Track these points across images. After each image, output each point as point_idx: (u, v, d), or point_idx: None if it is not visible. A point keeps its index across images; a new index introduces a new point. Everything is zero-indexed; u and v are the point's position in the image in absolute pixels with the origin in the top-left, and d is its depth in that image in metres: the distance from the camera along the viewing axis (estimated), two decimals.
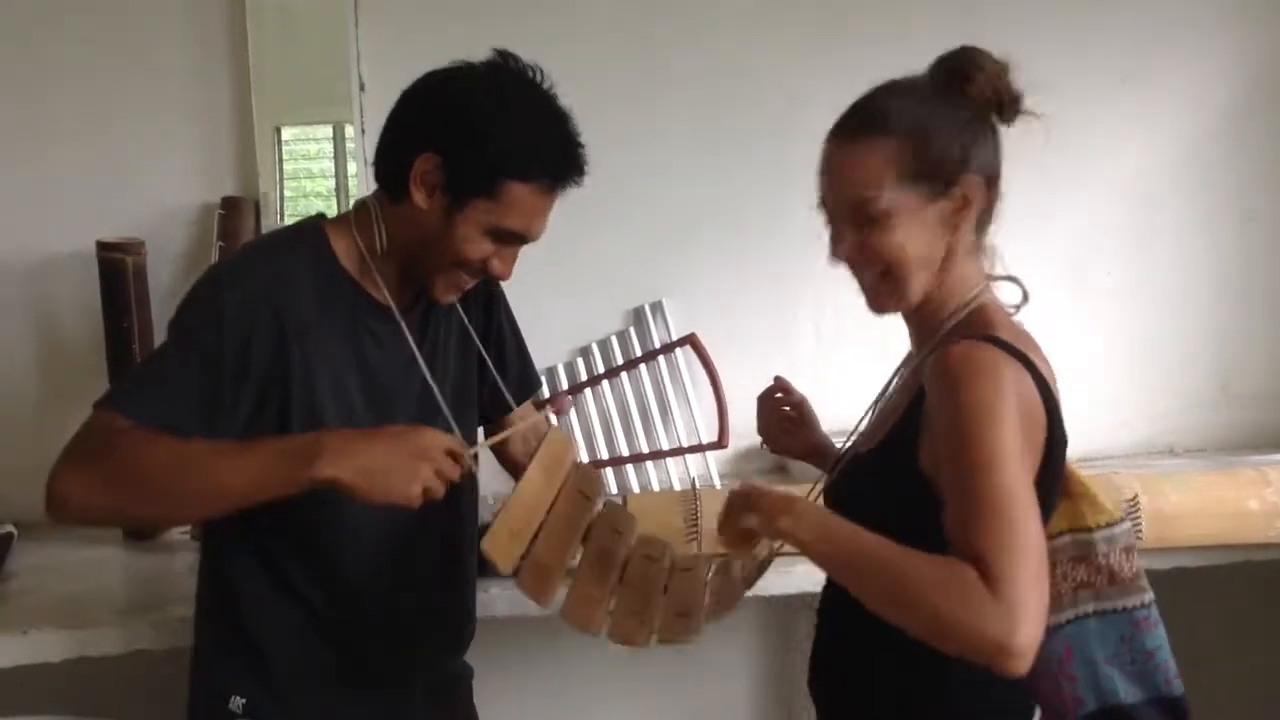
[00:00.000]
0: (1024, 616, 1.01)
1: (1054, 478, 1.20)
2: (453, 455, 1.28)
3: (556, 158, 1.35)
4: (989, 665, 1.03)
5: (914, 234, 1.19)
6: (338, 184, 2.32)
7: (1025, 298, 1.26)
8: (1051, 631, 1.29)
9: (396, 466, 1.24)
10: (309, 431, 1.32)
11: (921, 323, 1.27)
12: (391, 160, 1.37)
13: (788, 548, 1.47)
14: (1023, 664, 1.02)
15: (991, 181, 1.23)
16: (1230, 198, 2.60)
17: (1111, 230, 2.55)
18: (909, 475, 1.19)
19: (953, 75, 1.21)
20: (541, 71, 1.37)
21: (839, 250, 1.24)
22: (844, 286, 1.32)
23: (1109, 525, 1.31)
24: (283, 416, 1.33)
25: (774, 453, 1.60)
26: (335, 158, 2.32)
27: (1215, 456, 2.56)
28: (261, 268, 1.35)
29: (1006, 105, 1.23)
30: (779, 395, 1.56)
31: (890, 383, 1.39)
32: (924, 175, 1.18)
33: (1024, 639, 1.01)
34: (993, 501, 1.06)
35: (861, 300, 1.28)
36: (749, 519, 1.21)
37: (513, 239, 1.37)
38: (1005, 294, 1.27)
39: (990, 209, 1.24)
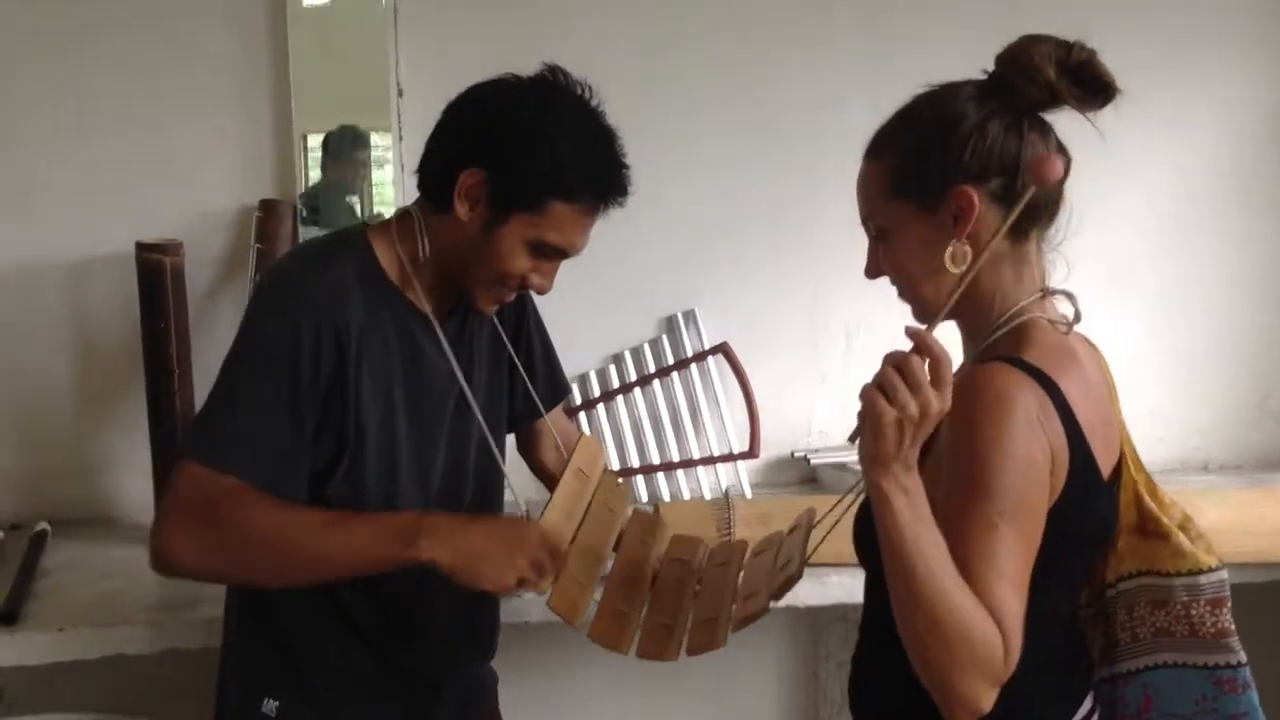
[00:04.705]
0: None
1: (1080, 505, 1.13)
2: (551, 553, 1.31)
3: (601, 179, 1.35)
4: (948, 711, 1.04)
5: (911, 248, 1.20)
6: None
7: (1077, 316, 1.22)
8: (1130, 677, 1.27)
9: (494, 554, 1.28)
10: (355, 436, 1.34)
11: (966, 335, 1.25)
12: (436, 172, 1.37)
13: (817, 557, 1.45)
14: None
15: (1006, 188, 1.15)
16: (1271, 205, 2.55)
17: (1148, 239, 2.51)
18: None
19: (1005, 72, 1.17)
20: (590, 88, 1.36)
21: (866, 266, 1.27)
22: (876, 296, 1.32)
23: (1192, 573, 1.24)
24: (340, 421, 1.33)
25: None
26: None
27: (1251, 474, 2.53)
28: (317, 281, 1.34)
29: (1077, 87, 1.17)
30: None
31: None
32: (909, 192, 1.18)
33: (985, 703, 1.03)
34: (977, 540, 1.04)
35: (893, 311, 1.28)
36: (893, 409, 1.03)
37: (553, 253, 1.37)
38: (1065, 306, 1.24)
39: (1030, 217, 1.18)
